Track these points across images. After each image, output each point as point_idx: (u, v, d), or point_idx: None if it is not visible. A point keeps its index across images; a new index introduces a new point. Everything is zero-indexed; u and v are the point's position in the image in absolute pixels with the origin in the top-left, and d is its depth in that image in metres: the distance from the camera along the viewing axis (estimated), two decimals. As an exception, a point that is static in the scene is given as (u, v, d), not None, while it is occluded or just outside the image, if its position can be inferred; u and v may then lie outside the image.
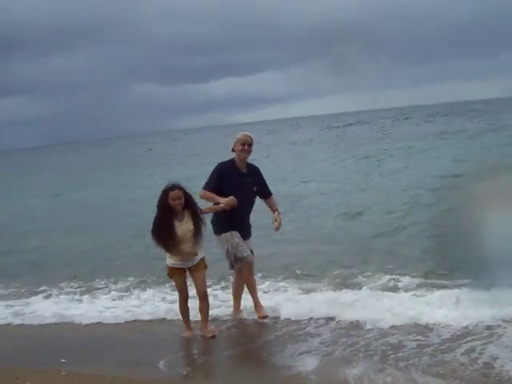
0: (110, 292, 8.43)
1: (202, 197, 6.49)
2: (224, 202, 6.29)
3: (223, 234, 6.56)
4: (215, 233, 6.65)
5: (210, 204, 6.50)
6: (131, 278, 8.90)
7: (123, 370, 5.53)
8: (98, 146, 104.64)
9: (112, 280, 8.99)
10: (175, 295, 6.66)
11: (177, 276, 6.28)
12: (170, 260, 6.22)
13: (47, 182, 30.85)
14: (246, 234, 6.71)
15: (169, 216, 6.07)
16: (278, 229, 6.75)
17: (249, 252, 6.60)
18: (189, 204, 6.11)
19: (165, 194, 6.05)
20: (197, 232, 6.11)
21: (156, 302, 7.70)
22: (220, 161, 6.72)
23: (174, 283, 6.47)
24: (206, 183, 6.56)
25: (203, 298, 6.28)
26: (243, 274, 6.70)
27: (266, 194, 6.90)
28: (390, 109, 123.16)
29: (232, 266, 6.68)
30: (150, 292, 8.15)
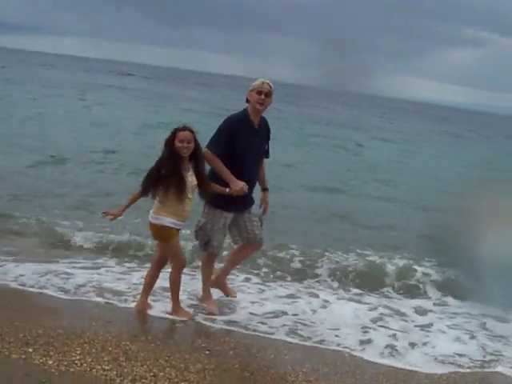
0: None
1: (207, 159, 5.25)
2: (233, 188, 5.21)
3: (215, 209, 5.37)
4: (207, 201, 5.37)
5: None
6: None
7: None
8: None
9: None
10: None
11: (176, 238, 5.18)
12: (170, 218, 5.09)
13: None
14: (247, 204, 5.54)
15: (178, 160, 5.08)
16: (265, 212, 5.73)
17: (220, 245, 5.47)
18: (196, 154, 5.13)
19: (172, 133, 5.08)
20: (202, 191, 5.17)
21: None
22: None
23: (161, 247, 5.32)
24: (213, 143, 5.27)
25: (183, 268, 5.37)
26: (206, 261, 5.59)
27: (265, 155, 5.69)
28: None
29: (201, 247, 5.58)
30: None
